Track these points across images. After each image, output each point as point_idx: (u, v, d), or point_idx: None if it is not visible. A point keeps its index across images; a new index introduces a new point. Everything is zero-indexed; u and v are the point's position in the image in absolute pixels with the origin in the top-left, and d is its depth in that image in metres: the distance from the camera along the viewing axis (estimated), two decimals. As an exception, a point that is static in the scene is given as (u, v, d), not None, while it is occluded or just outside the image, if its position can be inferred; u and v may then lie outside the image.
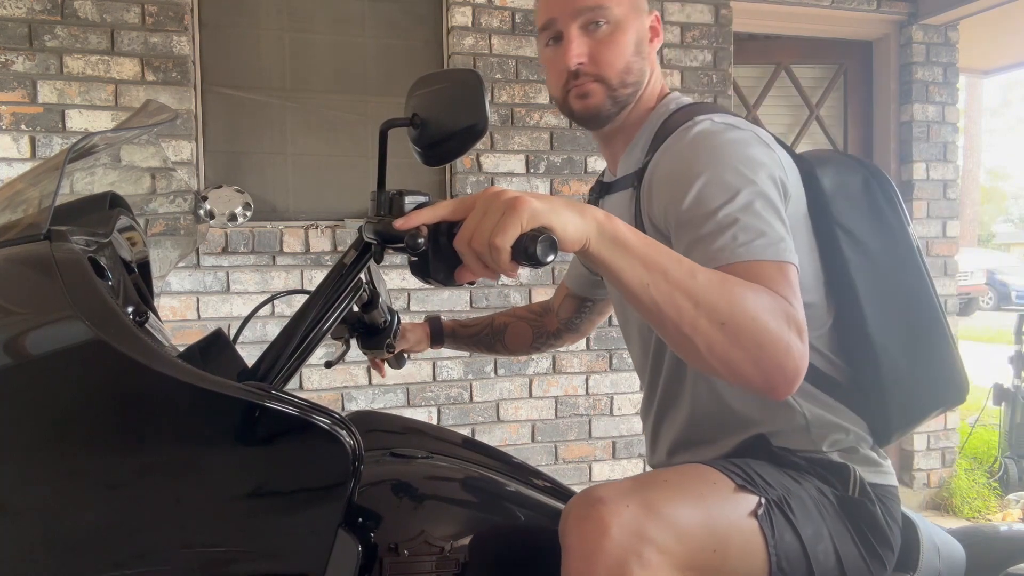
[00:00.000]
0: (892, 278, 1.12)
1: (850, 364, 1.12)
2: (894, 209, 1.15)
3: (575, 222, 0.76)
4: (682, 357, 0.88)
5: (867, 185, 1.14)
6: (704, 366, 0.84)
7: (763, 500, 0.97)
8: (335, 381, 2.82)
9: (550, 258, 0.73)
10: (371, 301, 1.22)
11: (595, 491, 0.90)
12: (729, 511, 0.95)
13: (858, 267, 1.10)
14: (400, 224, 0.77)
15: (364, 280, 1.15)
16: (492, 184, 2.98)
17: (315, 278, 2.75)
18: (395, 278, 2.86)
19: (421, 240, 0.77)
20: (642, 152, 1.15)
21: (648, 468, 1.34)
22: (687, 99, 1.20)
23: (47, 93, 2.53)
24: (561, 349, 3.11)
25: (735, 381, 0.85)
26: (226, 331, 0.93)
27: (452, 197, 2.81)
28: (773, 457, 1.08)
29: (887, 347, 1.09)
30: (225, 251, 2.68)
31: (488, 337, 1.53)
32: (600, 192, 1.30)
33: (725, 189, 0.95)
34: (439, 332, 1.50)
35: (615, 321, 3.17)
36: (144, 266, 1.15)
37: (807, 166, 1.12)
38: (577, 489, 1.21)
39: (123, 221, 1.07)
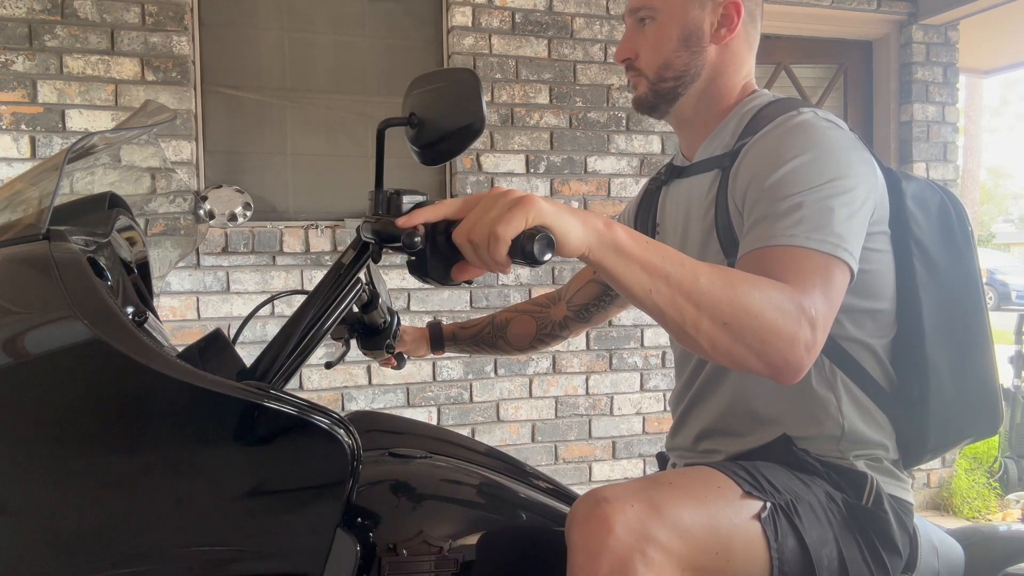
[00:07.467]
0: (953, 301, 1.15)
1: (900, 376, 1.14)
2: (965, 236, 1.17)
3: (577, 230, 0.77)
4: (687, 349, 0.90)
5: (943, 208, 1.17)
6: (709, 359, 0.87)
7: (768, 504, 0.98)
8: (335, 381, 2.83)
9: (546, 257, 0.74)
10: (371, 301, 1.21)
11: (600, 491, 0.91)
12: (733, 514, 0.96)
13: (925, 284, 1.12)
14: (403, 223, 0.78)
15: (364, 280, 1.15)
16: (492, 184, 2.99)
17: (315, 278, 2.75)
18: (395, 278, 2.86)
19: (418, 239, 0.77)
20: (732, 136, 1.17)
21: (665, 450, 1.34)
22: (780, 95, 1.22)
23: (47, 93, 2.53)
24: (561, 349, 3.11)
25: (741, 371, 0.87)
26: (226, 331, 0.93)
27: (452, 197, 2.81)
28: (788, 458, 1.09)
29: (938, 367, 1.12)
30: (225, 251, 2.68)
31: (490, 335, 1.51)
32: (670, 175, 1.31)
33: (812, 177, 0.98)
34: (439, 337, 1.49)
35: (615, 321, 3.19)
36: (143, 266, 1.15)
37: (894, 178, 1.14)
38: (577, 489, 1.21)
39: (122, 221, 1.07)
